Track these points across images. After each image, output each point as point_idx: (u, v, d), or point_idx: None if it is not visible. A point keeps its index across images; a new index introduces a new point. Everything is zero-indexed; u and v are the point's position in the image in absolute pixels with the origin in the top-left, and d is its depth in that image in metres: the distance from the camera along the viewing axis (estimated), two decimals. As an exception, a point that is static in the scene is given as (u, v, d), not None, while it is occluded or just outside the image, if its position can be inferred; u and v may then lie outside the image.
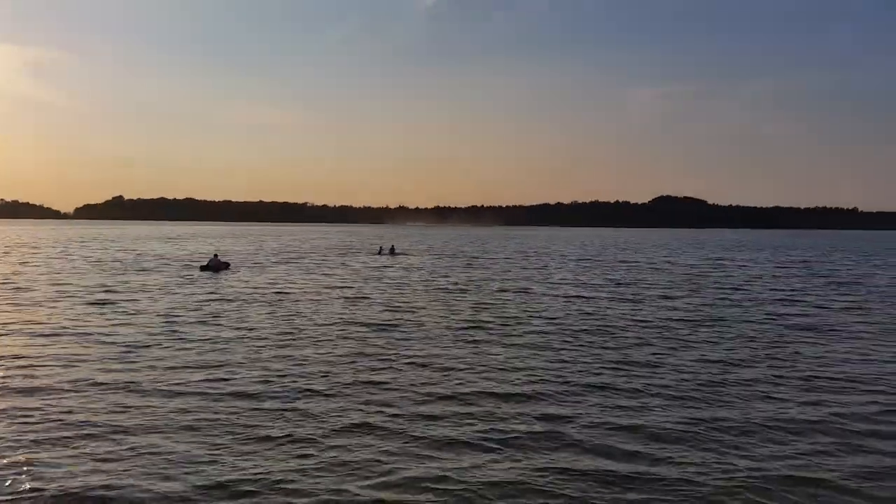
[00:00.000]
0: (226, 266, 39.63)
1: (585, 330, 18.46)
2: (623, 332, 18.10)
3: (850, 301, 26.32)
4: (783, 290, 30.25)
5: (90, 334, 16.81)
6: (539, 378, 12.79)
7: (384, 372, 13.21)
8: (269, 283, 30.58)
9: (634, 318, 20.89)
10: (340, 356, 14.62)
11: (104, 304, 22.69)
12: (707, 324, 19.87)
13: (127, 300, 23.67)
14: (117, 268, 38.92)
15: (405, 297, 25.97)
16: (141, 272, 36.05)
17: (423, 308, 22.65)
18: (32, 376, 12.44)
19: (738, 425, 10.11)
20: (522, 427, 9.85)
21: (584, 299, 25.83)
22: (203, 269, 38.34)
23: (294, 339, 16.49)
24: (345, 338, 16.82)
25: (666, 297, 26.68)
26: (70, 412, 10.28)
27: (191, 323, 18.81)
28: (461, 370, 13.44)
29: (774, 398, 11.72)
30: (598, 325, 19.24)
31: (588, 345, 16.29)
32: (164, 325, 18.41)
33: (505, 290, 28.82)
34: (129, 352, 14.79)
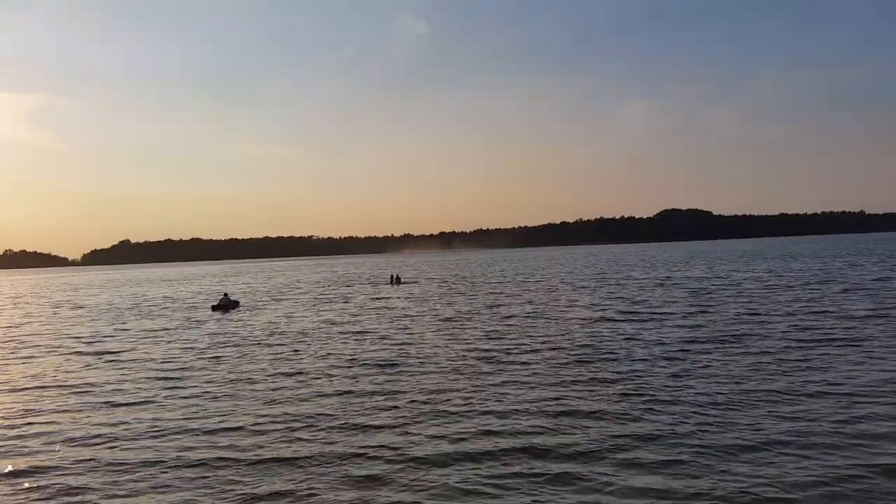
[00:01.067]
0: (235, 305, 39.71)
1: (600, 357, 17.60)
2: (639, 359, 17.25)
3: (871, 309, 25.36)
4: (801, 301, 29.31)
5: (82, 389, 16.08)
6: (552, 423, 11.89)
7: (388, 422, 12.40)
8: (276, 322, 29.87)
9: (650, 339, 20.03)
10: (344, 402, 13.85)
11: (102, 354, 22.00)
12: (727, 342, 18.99)
13: (129, 349, 22.98)
14: (121, 314, 38.31)
15: (410, 329, 25.19)
16: (146, 317, 35.43)
17: (429, 341, 21.86)
18: (6, 446, 11.71)
19: (781, 478, 9.25)
20: (536, 488, 8.99)
21: (595, 322, 24.98)
22: (214, 308, 38.33)
23: (298, 385, 15.71)
24: (350, 380, 16.04)
25: (680, 315, 25.79)
26: (43, 495, 9.54)
27: (194, 370, 18.08)
28: (469, 413, 12.62)
29: (822, 443, 10.84)
30: (612, 351, 18.38)
31: (603, 376, 15.43)
32: (165, 374, 17.69)
33: (513, 316, 28.00)
34: (125, 409, 14.07)
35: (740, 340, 19.23)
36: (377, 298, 42.91)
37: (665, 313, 26.72)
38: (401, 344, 21.48)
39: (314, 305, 39.10)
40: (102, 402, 14.60)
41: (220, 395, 14.89)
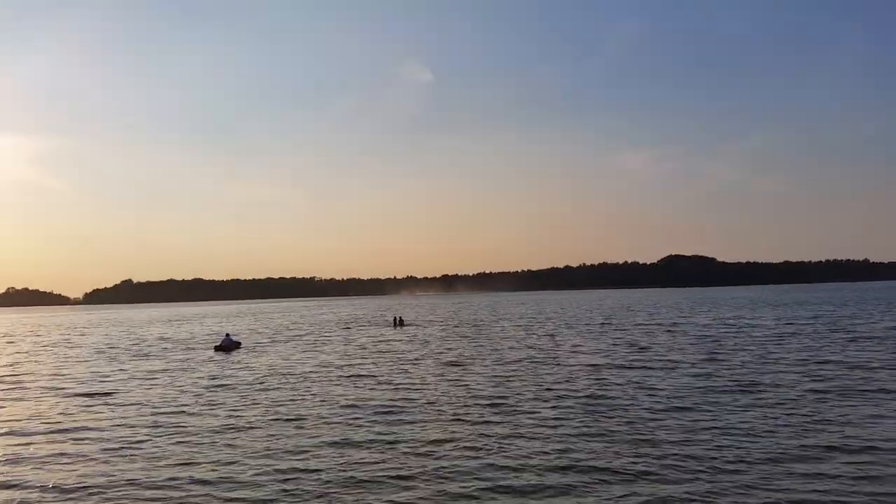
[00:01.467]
0: (237, 346, 39.65)
1: (609, 407, 17.10)
2: (648, 408, 16.75)
3: (884, 359, 24.84)
4: (812, 349, 28.77)
5: (74, 434, 15.62)
6: (559, 480, 11.43)
7: (387, 475, 11.94)
8: (277, 364, 29.38)
9: (658, 388, 19.53)
10: (342, 452, 13.39)
11: (97, 395, 21.53)
12: (738, 392, 18.48)
13: (125, 391, 22.50)
14: (119, 354, 37.82)
15: (412, 374, 24.70)
16: (145, 357, 34.93)
17: (431, 386, 21.37)
18: None
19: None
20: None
21: (602, 368, 24.44)
22: (217, 349, 38.27)
23: (297, 432, 15.26)
24: (349, 427, 15.58)
25: (688, 363, 25.26)
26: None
27: (191, 415, 17.63)
28: (472, 466, 12.16)
29: (842, 502, 10.38)
30: (620, 401, 17.87)
31: (612, 428, 14.95)
32: (161, 419, 17.23)
33: (517, 361, 27.49)
34: (117, 456, 13.60)
35: (751, 391, 18.73)
36: (380, 341, 42.42)
37: (673, 360, 26.20)
38: (402, 389, 21.00)
39: (316, 347, 38.62)
40: (95, 449, 14.14)
41: (218, 442, 14.43)
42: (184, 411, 18.23)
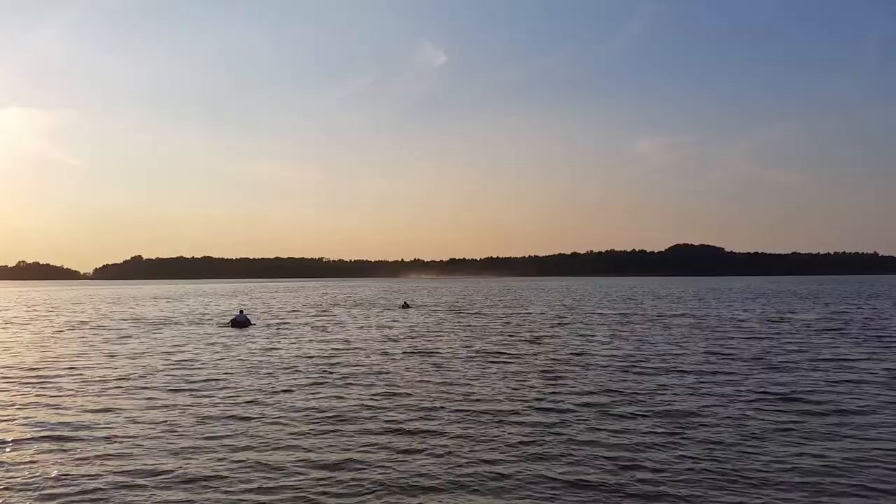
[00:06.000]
0: (248, 323, 41.07)
1: (622, 419, 15.63)
2: (647, 415, 15.27)
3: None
4: (864, 356, 27.11)
5: (69, 430, 14.28)
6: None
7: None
8: (272, 347, 28.04)
9: (679, 394, 18.01)
10: (315, 463, 12.00)
11: (96, 376, 20.21)
12: (769, 401, 16.94)
13: (120, 371, 21.19)
14: (121, 330, 36.59)
15: (413, 367, 23.26)
16: (144, 335, 33.63)
17: (429, 383, 19.91)
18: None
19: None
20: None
21: (620, 371, 22.95)
22: (233, 324, 40.38)
23: (276, 431, 13.89)
24: (328, 432, 14.19)
25: (707, 362, 23.71)
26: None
27: (178, 392, 16.28)
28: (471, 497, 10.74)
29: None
30: (635, 408, 16.38)
31: (628, 450, 13.51)
32: (148, 403, 15.88)
33: (522, 356, 26.00)
34: (94, 450, 12.24)
35: (785, 401, 17.18)
36: (384, 325, 41.15)
37: (693, 362, 24.66)
38: (397, 387, 19.58)
39: (319, 330, 37.40)
40: (90, 437, 12.79)
41: (209, 427, 13.04)
42: (178, 392, 16.84)
